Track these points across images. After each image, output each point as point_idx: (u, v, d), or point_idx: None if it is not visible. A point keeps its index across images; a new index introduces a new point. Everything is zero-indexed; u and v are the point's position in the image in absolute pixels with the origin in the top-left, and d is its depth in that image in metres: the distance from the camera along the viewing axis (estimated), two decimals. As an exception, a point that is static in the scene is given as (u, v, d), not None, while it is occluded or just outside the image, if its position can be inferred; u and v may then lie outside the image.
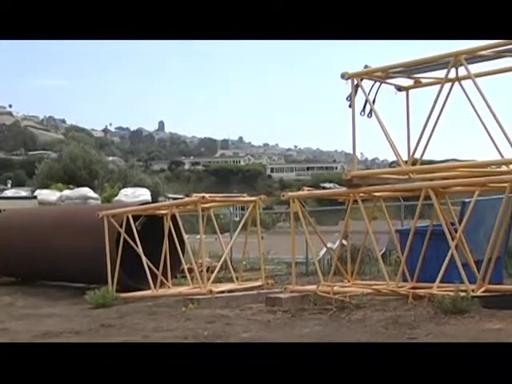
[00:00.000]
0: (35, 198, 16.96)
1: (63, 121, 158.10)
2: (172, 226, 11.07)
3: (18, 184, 51.71)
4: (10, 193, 20.64)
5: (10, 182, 55.20)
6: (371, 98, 9.22)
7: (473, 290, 7.81)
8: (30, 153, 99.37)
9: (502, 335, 6.19)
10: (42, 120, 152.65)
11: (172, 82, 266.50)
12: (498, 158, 8.25)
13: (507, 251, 10.49)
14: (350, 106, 9.10)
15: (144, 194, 15.45)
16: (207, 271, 10.86)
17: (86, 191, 16.28)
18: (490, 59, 8.55)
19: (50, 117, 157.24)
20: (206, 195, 10.96)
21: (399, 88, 9.78)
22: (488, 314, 7.19)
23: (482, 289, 7.97)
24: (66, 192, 17.10)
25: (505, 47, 8.13)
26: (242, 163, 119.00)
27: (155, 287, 11.01)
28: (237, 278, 11.57)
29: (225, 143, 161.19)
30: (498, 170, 8.62)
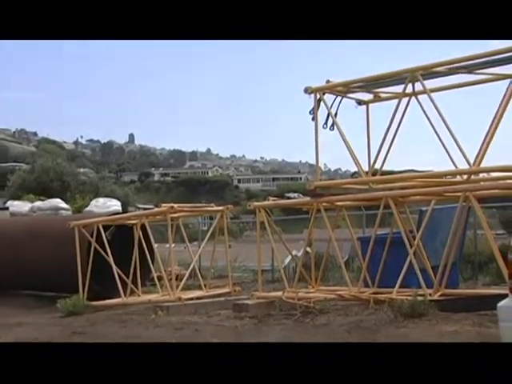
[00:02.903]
0: (7, 209, 16.82)
1: (35, 133, 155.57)
2: (142, 236, 11.21)
3: (-12, 196, 50.62)
4: (-20, 205, 20.32)
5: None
6: (333, 112, 9.41)
7: (430, 295, 8.03)
8: (2, 165, 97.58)
9: (458, 337, 6.42)
10: (14, 133, 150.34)
11: (141, 94, 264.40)
12: (453, 168, 8.45)
13: (462, 257, 10.79)
14: (313, 119, 9.27)
15: (115, 205, 15.43)
16: (176, 279, 10.96)
17: (58, 202, 16.17)
18: (444, 75, 8.82)
19: (22, 129, 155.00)
20: (175, 205, 11.08)
21: (359, 102, 10.00)
22: (444, 316, 7.40)
23: (439, 293, 8.20)
24: (38, 203, 16.93)
25: (457, 64, 8.48)
26: (210, 174, 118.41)
27: (125, 295, 11.15)
28: (205, 286, 11.71)
29: (193, 155, 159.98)
30: (453, 180, 8.83)
